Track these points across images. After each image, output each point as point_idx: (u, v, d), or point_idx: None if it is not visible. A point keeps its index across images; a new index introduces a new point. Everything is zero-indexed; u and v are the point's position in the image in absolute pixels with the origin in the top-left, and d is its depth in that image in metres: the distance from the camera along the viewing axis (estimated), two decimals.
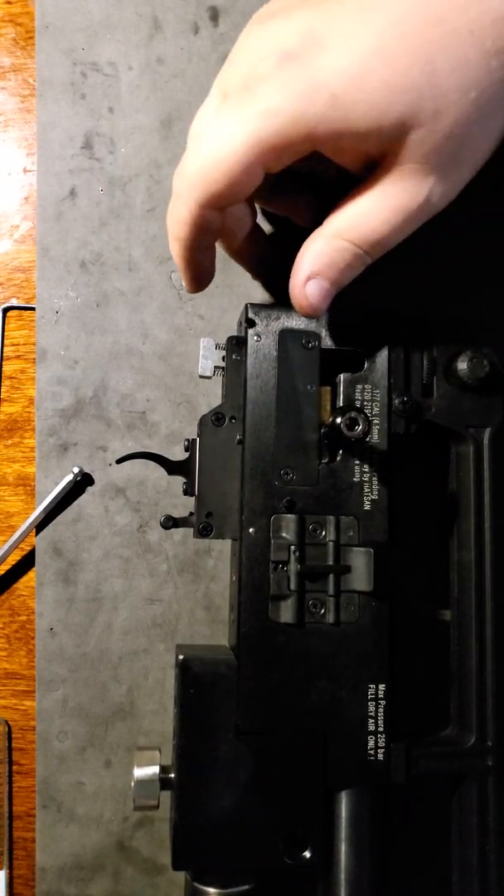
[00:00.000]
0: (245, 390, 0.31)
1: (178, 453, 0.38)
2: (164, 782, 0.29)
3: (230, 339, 0.32)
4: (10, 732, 0.39)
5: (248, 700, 0.29)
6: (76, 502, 0.38)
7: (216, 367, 0.33)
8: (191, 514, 0.32)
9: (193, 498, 0.32)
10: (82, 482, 0.38)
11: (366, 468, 0.30)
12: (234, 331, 0.37)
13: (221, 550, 0.38)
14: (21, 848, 0.39)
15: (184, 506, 0.38)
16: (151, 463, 0.34)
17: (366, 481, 0.30)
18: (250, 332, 0.31)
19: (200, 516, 0.31)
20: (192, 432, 0.38)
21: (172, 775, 0.29)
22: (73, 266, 0.39)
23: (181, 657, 0.29)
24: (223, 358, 0.32)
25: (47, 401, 0.39)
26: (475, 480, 0.31)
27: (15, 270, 0.40)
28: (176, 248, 0.30)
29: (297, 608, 0.29)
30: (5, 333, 0.40)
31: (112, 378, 0.39)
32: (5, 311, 0.40)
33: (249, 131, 0.25)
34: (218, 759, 0.28)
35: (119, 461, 0.35)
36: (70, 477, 0.38)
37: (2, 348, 0.40)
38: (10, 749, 0.39)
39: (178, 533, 0.38)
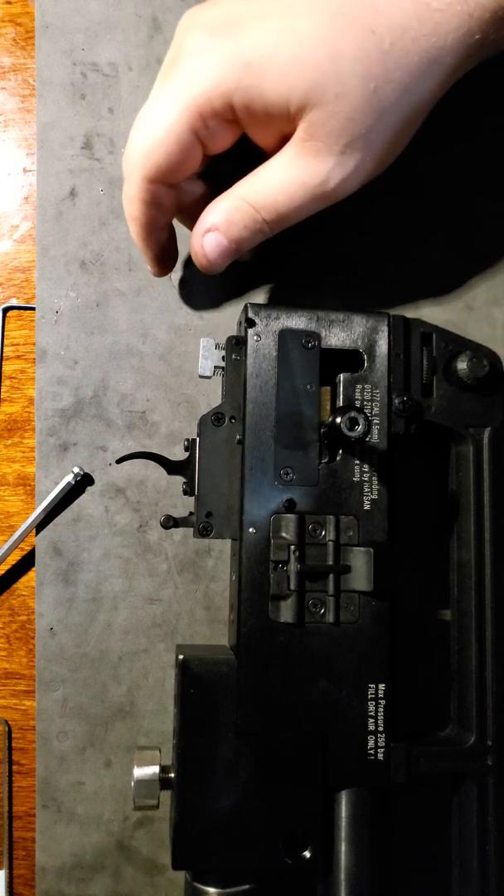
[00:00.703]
0: (245, 390, 0.31)
1: (178, 453, 0.38)
2: (164, 782, 0.29)
3: (230, 339, 0.32)
4: (10, 732, 0.39)
5: (248, 700, 0.29)
6: (76, 502, 0.38)
7: (216, 367, 0.33)
8: (191, 513, 0.32)
9: (193, 498, 0.32)
10: (82, 482, 0.38)
11: (366, 468, 0.30)
12: (234, 331, 0.37)
13: (222, 550, 0.38)
14: (21, 848, 0.39)
15: (184, 506, 0.38)
16: (151, 463, 0.34)
17: (366, 481, 0.30)
18: (250, 331, 0.31)
19: (200, 516, 0.31)
20: (192, 432, 0.38)
21: (172, 775, 0.29)
22: (73, 266, 0.39)
23: (181, 657, 0.29)
24: (223, 358, 0.32)
25: (47, 401, 0.39)
26: (475, 480, 0.31)
27: (15, 270, 0.40)
28: (133, 228, 0.32)
29: (297, 608, 0.29)
30: (5, 333, 0.40)
31: (112, 378, 0.39)
32: (5, 311, 0.40)
33: (179, 96, 0.28)
34: (218, 759, 0.28)
35: (119, 461, 0.35)
36: (70, 477, 0.38)
37: (2, 348, 0.40)
38: (10, 749, 0.39)
39: (178, 533, 0.38)
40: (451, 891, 0.30)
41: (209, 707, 0.29)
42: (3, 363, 0.40)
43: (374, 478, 0.30)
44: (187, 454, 0.32)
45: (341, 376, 0.31)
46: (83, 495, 0.38)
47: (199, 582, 0.38)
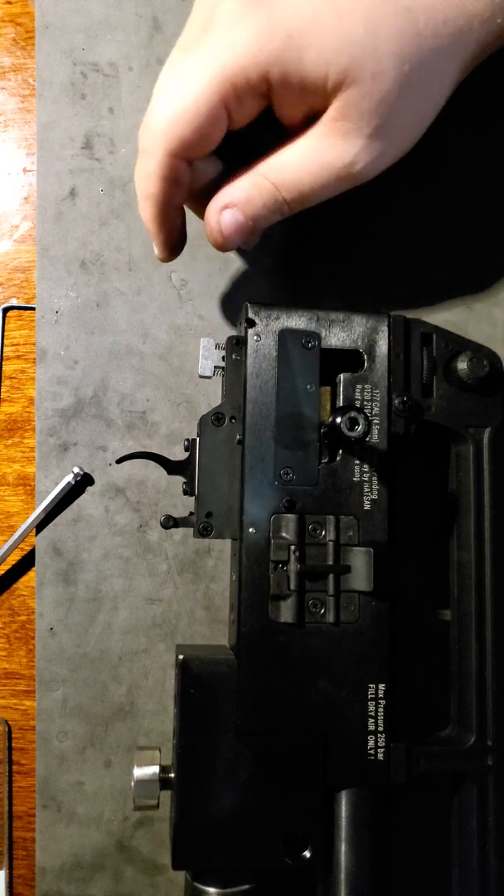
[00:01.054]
0: (245, 390, 0.31)
1: (178, 453, 0.38)
2: (164, 782, 0.29)
3: (230, 338, 0.32)
4: (10, 732, 0.39)
5: (248, 700, 0.29)
6: (76, 502, 0.38)
7: (216, 367, 0.33)
8: (191, 513, 0.32)
9: (193, 498, 0.32)
10: (82, 482, 0.38)
11: (366, 468, 0.30)
12: (234, 331, 0.37)
13: (222, 550, 0.38)
14: (21, 848, 0.39)
15: (184, 506, 0.38)
16: (151, 463, 0.34)
17: (366, 481, 0.30)
18: (250, 331, 0.31)
19: (200, 516, 0.31)
20: (192, 432, 0.38)
21: (172, 775, 0.29)
22: (73, 266, 0.39)
23: (181, 657, 0.29)
24: (223, 358, 0.32)
25: (47, 401, 0.39)
26: (475, 480, 0.31)
27: (15, 270, 0.40)
28: (147, 208, 0.30)
29: (298, 608, 0.29)
30: (5, 333, 0.40)
31: (112, 378, 0.39)
32: (5, 311, 0.40)
33: (212, 67, 0.26)
34: (218, 759, 0.28)
35: (119, 461, 0.35)
36: (70, 477, 0.38)
37: (2, 348, 0.40)
38: (10, 749, 0.39)
39: (177, 533, 0.38)
40: (451, 891, 0.30)
41: (209, 707, 0.29)
42: (3, 363, 0.40)
43: (375, 478, 0.30)
44: (187, 454, 0.32)
45: (341, 376, 0.31)
46: (83, 495, 0.38)
47: (199, 582, 0.38)
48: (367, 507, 0.30)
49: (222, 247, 0.31)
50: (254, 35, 0.26)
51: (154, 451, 0.36)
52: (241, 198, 0.29)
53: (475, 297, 0.39)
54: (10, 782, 0.39)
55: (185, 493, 0.32)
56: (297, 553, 0.29)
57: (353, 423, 0.28)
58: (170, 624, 0.38)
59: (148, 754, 0.30)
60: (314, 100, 0.27)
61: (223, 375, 0.33)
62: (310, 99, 0.27)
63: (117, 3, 0.40)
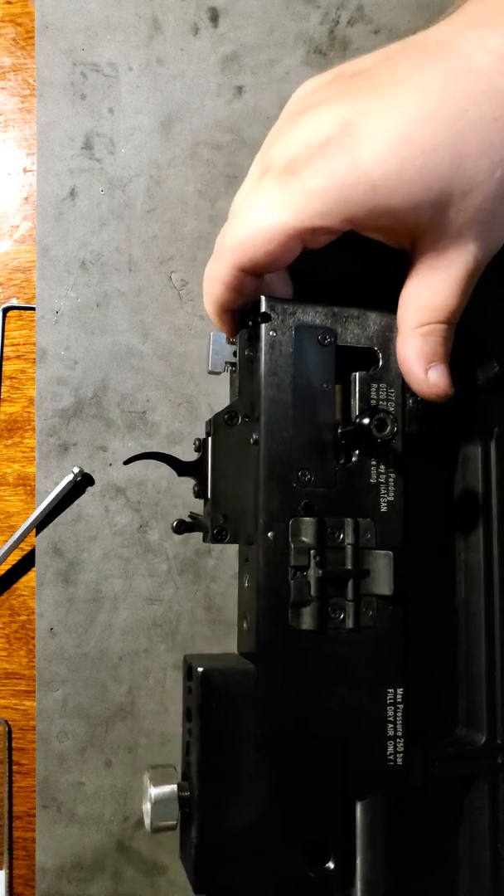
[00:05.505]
0: (261, 388, 0.30)
1: (179, 453, 0.38)
2: (182, 801, 0.28)
3: (243, 333, 0.32)
4: (10, 732, 0.39)
5: (268, 709, 0.28)
6: (76, 502, 0.38)
7: (226, 364, 0.32)
8: (194, 516, 0.32)
9: (202, 499, 0.31)
10: (82, 482, 0.38)
11: (382, 469, 0.30)
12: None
13: (222, 550, 0.38)
14: (21, 848, 0.38)
15: (184, 506, 0.38)
16: (152, 463, 0.34)
17: (382, 482, 0.30)
18: (265, 326, 0.30)
19: (216, 520, 0.30)
20: (192, 432, 0.38)
21: (190, 793, 0.28)
22: (73, 266, 0.39)
23: (200, 669, 0.28)
24: (234, 353, 0.32)
25: (47, 401, 0.39)
26: (483, 481, 0.31)
27: (15, 270, 0.40)
28: (209, 304, 0.31)
29: (319, 614, 0.29)
30: (5, 333, 0.40)
31: (112, 378, 0.39)
32: (5, 311, 0.40)
33: (294, 209, 0.27)
34: (239, 773, 0.27)
35: (127, 462, 0.34)
36: (70, 477, 0.38)
37: (2, 348, 0.40)
38: (10, 749, 0.39)
39: None
40: (460, 890, 0.30)
41: (231, 720, 0.28)
42: (3, 363, 0.40)
43: (391, 479, 0.30)
44: (198, 455, 0.32)
45: (356, 374, 0.31)
46: (83, 495, 0.38)
47: (200, 582, 0.38)
48: (383, 508, 0.29)
49: (448, 398, 0.30)
50: (337, 185, 0.26)
51: (154, 450, 0.35)
52: (428, 355, 0.30)
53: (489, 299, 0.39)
54: (10, 782, 0.39)
55: (197, 495, 0.31)
56: (318, 558, 0.29)
57: (382, 424, 0.27)
58: (170, 624, 0.38)
59: (163, 772, 0.29)
60: (406, 229, 0.28)
61: (233, 371, 0.32)
62: (401, 229, 0.28)
63: (117, 4, 0.40)
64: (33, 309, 0.40)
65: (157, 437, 0.39)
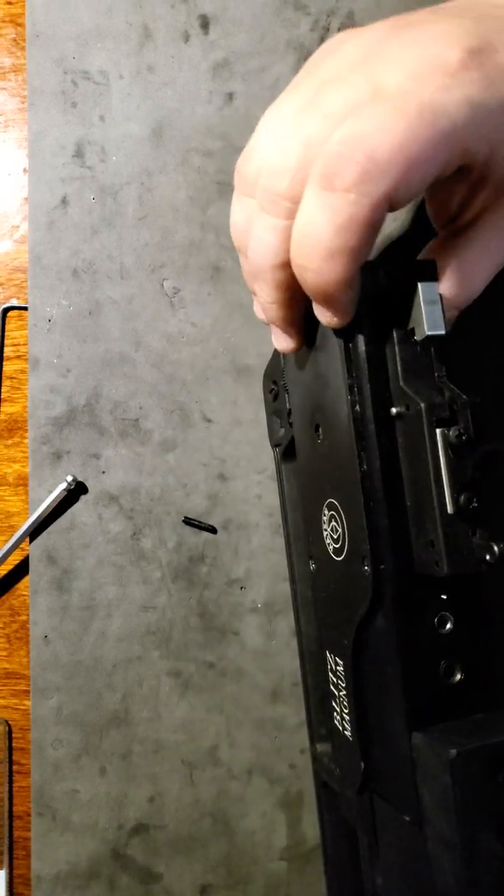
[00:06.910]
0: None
1: (171, 461, 0.38)
2: None
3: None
4: (10, 732, 0.39)
5: None
6: (70, 510, 0.38)
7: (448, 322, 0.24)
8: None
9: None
10: (76, 490, 0.38)
11: None
12: (225, 339, 0.37)
13: (215, 557, 0.38)
14: (21, 848, 0.38)
15: (177, 513, 0.38)
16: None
17: None
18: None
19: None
20: (185, 439, 0.38)
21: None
22: (65, 274, 0.39)
23: (453, 752, 0.23)
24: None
25: (40, 409, 0.39)
26: None
27: (15, 270, 0.40)
28: (334, 269, 0.21)
29: None
30: (5, 333, 0.40)
31: (105, 386, 0.39)
32: (5, 311, 0.40)
33: (461, 114, 0.21)
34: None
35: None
36: (63, 485, 0.38)
37: (2, 348, 0.40)
38: (10, 749, 0.39)
39: (171, 540, 0.38)
40: None
41: (488, 800, 0.24)
42: (4, 363, 0.40)
43: None
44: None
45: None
46: (77, 503, 0.39)
47: (193, 589, 0.38)
48: None
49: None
50: (486, 93, 0.21)
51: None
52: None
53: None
54: (11, 782, 0.39)
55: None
56: None
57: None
58: (164, 631, 0.38)
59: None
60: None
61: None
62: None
63: (107, 12, 0.40)
64: None
65: (149, 444, 0.39)
